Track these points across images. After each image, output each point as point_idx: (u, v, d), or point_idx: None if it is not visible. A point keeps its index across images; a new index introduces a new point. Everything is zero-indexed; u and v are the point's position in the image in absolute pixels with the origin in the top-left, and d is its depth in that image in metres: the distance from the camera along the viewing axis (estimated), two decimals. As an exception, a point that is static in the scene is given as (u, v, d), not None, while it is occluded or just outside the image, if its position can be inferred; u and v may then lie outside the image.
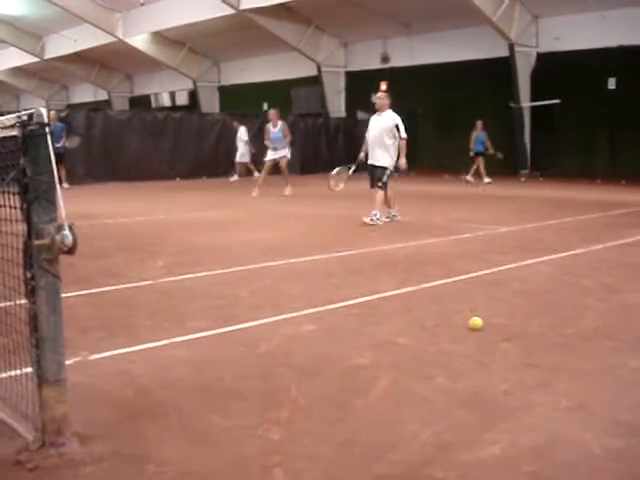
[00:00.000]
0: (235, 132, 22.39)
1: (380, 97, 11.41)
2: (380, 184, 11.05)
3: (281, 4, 23.86)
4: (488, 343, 4.56)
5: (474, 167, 20.85)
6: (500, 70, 22.55)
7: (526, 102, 22.80)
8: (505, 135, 22.99)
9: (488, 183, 19.96)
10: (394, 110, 11.18)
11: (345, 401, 3.56)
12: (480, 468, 2.83)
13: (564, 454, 2.96)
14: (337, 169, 12.91)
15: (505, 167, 22.60)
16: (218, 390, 3.74)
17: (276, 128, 16.45)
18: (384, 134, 11.06)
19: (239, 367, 4.12)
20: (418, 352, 4.40)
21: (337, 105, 28.18)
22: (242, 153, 22.12)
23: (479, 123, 20.59)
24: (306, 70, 27.75)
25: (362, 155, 11.50)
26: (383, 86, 26.57)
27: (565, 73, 21.43)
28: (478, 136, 20.65)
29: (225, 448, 3.04)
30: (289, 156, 16.79)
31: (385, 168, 11.09)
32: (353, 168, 12.24)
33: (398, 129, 11.02)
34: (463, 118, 23.51)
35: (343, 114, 28.17)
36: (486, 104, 23.39)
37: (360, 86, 27.35)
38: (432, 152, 25.28)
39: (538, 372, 4.00)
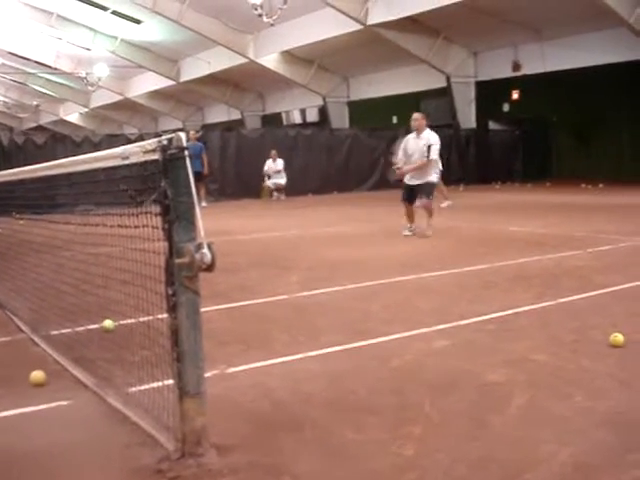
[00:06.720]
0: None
1: (416, 118, 11.20)
2: (431, 197, 11.08)
3: (408, 17, 23.82)
4: (631, 360, 4.35)
5: None
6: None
7: (671, 106, 21.61)
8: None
9: None
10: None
11: (480, 418, 3.50)
12: (625, 492, 2.71)
13: None
14: None
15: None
16: (351, 404, 3.76)
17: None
18: (422, 155, 10.97)
19: (372, 381, 4.13)
20: (556, 369, 4.25)
21: (467, 116, 27.76)
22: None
23: None
24: (435, 82, 27.53)
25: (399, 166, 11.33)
26: (515, 95, 26.04)
27: None
28: None
29: (359, 462, 3.05)
30: None
31: (433, 183, 11.23)
32: None
33: (429, 150, 10.89)
34: (601, 125, 22.63)
35: (474, 125, 27.75)
36: (626, 110, 22.39)
37: (491, 96, 26.87)
38: (568, 161, 24.49)
39: (687, 392, 3.78)
